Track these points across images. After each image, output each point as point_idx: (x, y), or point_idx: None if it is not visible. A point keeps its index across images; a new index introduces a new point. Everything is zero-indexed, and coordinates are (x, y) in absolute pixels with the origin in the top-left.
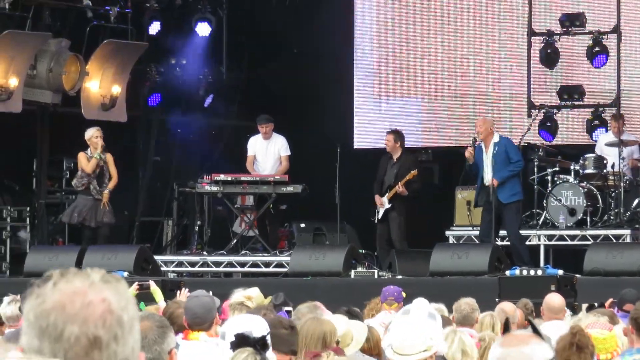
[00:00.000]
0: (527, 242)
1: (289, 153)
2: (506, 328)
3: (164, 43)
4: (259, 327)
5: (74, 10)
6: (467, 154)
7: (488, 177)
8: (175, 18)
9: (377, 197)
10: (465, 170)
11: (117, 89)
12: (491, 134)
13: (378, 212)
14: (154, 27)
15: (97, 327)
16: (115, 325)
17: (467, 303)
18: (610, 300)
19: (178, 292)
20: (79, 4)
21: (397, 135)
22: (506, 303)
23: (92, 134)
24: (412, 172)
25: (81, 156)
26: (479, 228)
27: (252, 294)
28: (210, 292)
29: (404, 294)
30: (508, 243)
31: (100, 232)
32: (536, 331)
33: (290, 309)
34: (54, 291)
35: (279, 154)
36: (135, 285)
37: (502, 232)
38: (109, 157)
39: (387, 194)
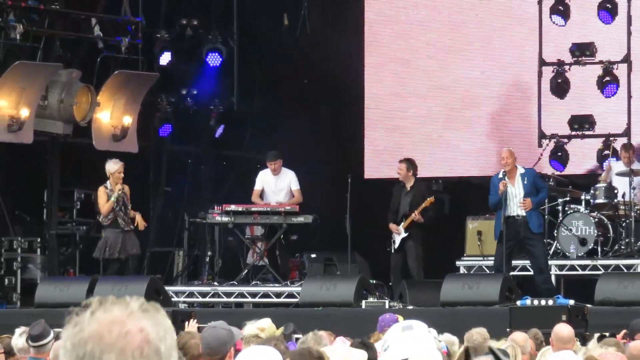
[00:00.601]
0: None
1: (299, 187)
2: (467, 356)
3: (174, 73)
4: (272, 358)
5: (85, 41)
6: (501, 187)
7: (514, 208)
8: (186, 48)
9: (392, 225)
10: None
11: (128, 120)
12: (515, 166)
13: (394, 242)
14: (165, 58)
15: (134, 356)
16: (153, 355)
17: (478, 333)
18: (624, 331)
19: (187, 323)
20: (90, 35)
21: (410, 163)
22: (518, 333)
23: (117, 169)
24: (428, 199)
25: (101, 192)
26: (492, 258)
27: (264, 325)
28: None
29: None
30: (523, 273)
31: (129, 265)
32: (497, 358)
33: (300, 336)
34: (92, 320)
35: (289, 188)
36: None
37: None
38: (127, 189)
39: (402, 223)
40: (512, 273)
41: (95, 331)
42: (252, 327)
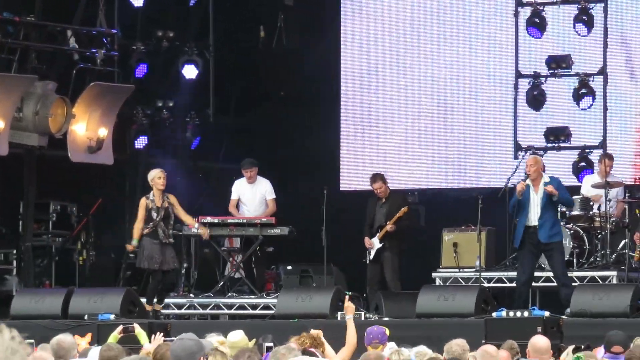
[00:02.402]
0: (514, 284)
1: (274, 196)
2: None
3: (150, 85)
4: None
5: (60, 53)
6: (519, 186)
7: (534, 217)
8: (162, 60)
9: (366, 239)
10: (513, 205)
11: (103, 132)
12: (541, 174)
13: (370, 253)
14: (141, 70)
15: None
16: None
17: (457, 344)
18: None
19: (153, 336)
20: (65, 47)
21: (383, 178)
22: (489, 346)
23: (155, 175)
24: (402, 209)
25: (141, 203)
26: (468, 270)
27: (237, 337)
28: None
29: (387, 333)
30: (500, 285)
31: (168, 278)
32: None
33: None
34: None
35: (264, 198)
36: (119, 328)
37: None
38: (173, 199)
39: (378, 234)
40: (488, 285)
41: None
42: (213, 340)
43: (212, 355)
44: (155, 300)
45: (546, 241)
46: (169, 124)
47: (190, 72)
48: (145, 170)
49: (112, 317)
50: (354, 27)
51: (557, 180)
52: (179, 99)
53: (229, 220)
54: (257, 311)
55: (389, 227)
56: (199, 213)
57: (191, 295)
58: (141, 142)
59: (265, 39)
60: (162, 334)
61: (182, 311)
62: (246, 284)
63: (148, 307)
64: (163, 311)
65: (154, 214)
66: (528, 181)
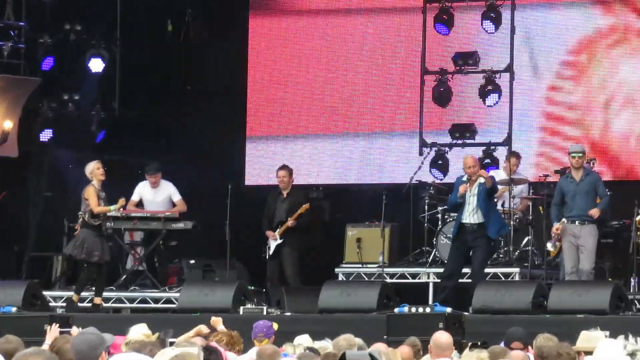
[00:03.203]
0: (417, 280)
1: (180, 197)
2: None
3: (57, 79)
4: None
5: None
6: (462, 189)
7: (466, 215)
8: (68, 54)
9: (268, 232)
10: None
11: (9, 124)
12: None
13: (269, 248)
14: (47, 63)
15: None
16: None
17: (345, 339)
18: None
19: (48, 328)
20: None
21: (291, 171)
22: (380, 344)
23: (94, 167)
24: (303, 205)
25: (91, 191)
26: (371, 266)
27: (145, 331)
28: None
29: (275, 327)
30: (402, 281)
31: (103, 270)
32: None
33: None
34: None
35: (168, 200)
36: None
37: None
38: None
39: (278, 230)
40: (391, 280)
41: None
42: (136, 333)
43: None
44: (93, 294)
45: (495, 237)
46: (75, 117)
47: (96, 65)
48: (51, 163)
49: (13, 309)
50: (262, 21)
51: (493, 178)
52: (85, 92)
53: (133, 214)
54: (160, 305)
55: (289, 222)
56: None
57: (93, 288)
58: (46, 135)
59: (172, 32)
60: (57, 325)
61: (84, 304)
62: (148, 278)
63: (75, 298)
64: (65, 304)
65: (102, 204)
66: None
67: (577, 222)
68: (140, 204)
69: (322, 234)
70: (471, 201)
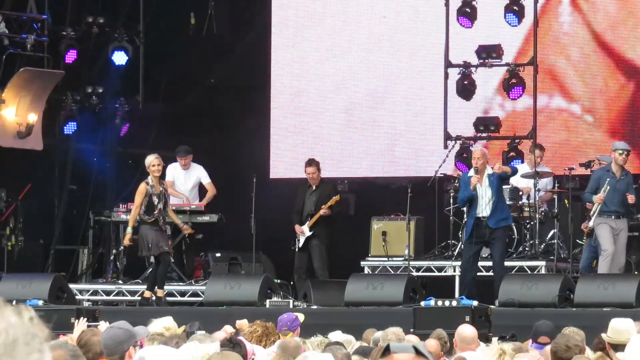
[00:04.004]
0: (443, 273)
1: (209, 180)
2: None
3: (80, 71)
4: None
5: None
6: (474, 181)
7: (483, 209)
8: (92, 46)
9: (297, 226)
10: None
11: (33, 117)
12: (485, 166)
13: (298, 240)
14: (71, 56)
15: None
16: None
17: (394, 333)
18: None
19: (76, 321)
20: None
21: (318, 165)
22: (411, 336)
23: (150, 162)
24: (334, 197)
25: (141, 188)
26: (396, 259)
27: (168, 324)
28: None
29: (301, 319)
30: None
31: (166, 259)
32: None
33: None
34: None
35: (198, 182)
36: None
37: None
38: (168, 185)
39: (307, 223)
40: (416, 273)
41: None
42: (157, 325)
43: (152, 340)
44: (156, 287)
45: (494, 226)
46: (99, 110)
47: (120, 58)
48: (75, 156)
49: (40, 303)
50: (285, 14)
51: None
52: (108, 85)
53: None
54: (186, 298)
55: (322, 211)
56: (128, 199)
57: (120, 281)
58: (70, 127)
59: (195, 25)
60: (85, 319)
61: (111, 297)
62: (175, 271)
63: (147, 294)
64: (92, 297)
65: (155, 200)
66: (472, 172)
67: (613, 217)
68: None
69: (348, 228)
70: (484, 194)
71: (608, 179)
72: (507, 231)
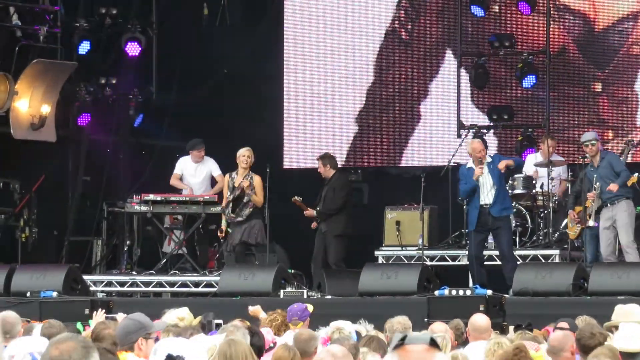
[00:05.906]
0: (457, 262)
1: (220, 172)
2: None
3: (93, 63)
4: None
5: (2, 29)
6: (478, 171)
7: (485, 196)
8: (104, 38)
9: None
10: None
11: (46, 109)
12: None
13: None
14: (84, 47)
15: None
16: None
17: (399, 322)
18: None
19: (95, 313)
20: (8, 24)
21: (324, 159)
22: (438, 323)
23: (240, 153)
24: (293, 198)
25: (224, 179)
26: (411, 248)
27: (182, 314)
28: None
29: (310, 309)
30: (442, 263)
31: (239, 250)
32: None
33: (220, 321)
34: None
35: (209, 176)
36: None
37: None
38: (257, 180)
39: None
40: (430, 263)
41: None
42: (171, 316)
43: (167, 331)
44: None
45: (497, 215)
46: (112, 101)
47: (133, 49)
48: (88, 148)
49: (54, 294)
50: (298, 4)
51: (497, 156)
52: (121, 76)
53: (172, 198)
54: (200, 289)
55: (305, 213)
56: (141, 190)
57: (134, 272)
58: (84, 119)
59: (208, 16)
60: (103, 310)
61: (125, 289)
62: (189, 262)
63: None
64: (106, 288)
65: (228, 192)
66: (470, 163)
67: (608, 205)
68: (181, 179)
69: (361, 217)
70: (485, 182)
71: (587, 173)
72: (509, 220)
